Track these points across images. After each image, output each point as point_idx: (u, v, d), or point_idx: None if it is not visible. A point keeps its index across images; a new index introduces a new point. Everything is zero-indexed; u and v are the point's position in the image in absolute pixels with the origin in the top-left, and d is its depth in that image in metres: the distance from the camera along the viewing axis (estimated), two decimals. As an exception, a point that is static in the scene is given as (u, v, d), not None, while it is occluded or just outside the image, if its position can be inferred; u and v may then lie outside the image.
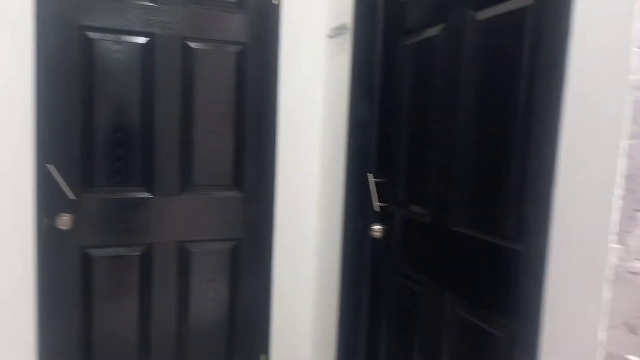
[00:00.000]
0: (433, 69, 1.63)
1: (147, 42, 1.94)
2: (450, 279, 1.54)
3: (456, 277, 1.52)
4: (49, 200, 1.88)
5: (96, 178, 1.94)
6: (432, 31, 1.64)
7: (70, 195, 1.87)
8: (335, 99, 2.09)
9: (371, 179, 1.92)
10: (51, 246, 1.91)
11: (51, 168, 1.84)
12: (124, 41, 1.92)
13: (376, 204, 1.90)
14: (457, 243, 1.51)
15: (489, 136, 1.38)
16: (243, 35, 2.07)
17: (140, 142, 1.98)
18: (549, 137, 1.10)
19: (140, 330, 2.06)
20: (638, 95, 0.94)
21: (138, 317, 2.05)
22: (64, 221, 1.90)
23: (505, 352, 1.32)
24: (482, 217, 1.41)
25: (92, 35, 1.87)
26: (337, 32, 2.05)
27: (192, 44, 2.01)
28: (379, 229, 1.92)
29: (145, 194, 2.01)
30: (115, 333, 2.02)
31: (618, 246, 0.96)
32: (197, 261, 2.12)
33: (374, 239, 1.97)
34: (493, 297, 1.36)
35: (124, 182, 1.98)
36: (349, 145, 2.01)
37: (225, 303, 2.18)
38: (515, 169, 1.28)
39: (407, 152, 1.78)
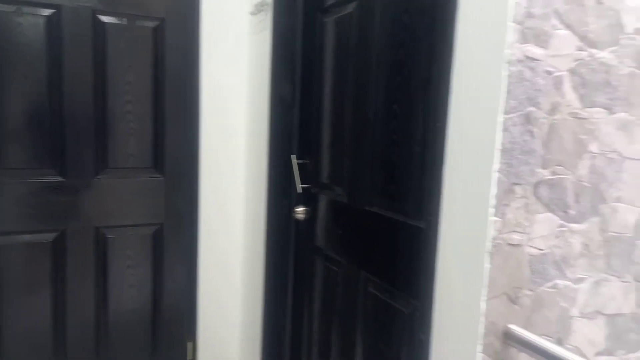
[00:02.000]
0: (349, 47, 1.61)
1: (53, 15, 1.82)
2: (364, 259, 1.55)
3: (369, 257, 1.52)
4: (-55, 184, 1.75)
5: (1, 160, 1.82)
6: (348, 8, 1.62)
7: (-31, 178, 1.75)
8: (259, 78, 2.04)
9: (294, 160, 1.90)
10: (-50, 233, 1.78)
11: (-55, 149, 1.71)
12: (26, 13, 1.79)
13: (299, 186, 1.88)
14: (369, 223, 1.51)
15: (396, 116, 1.38)
16: (160, 9, 1.98)
17: (49, 123, 1.87)
18: (442, 112, 1.10)
19: (55, 322, 1.96)
20: (513, 69, 0.96)
21: (52, 307, 1.95)
22: (-36, 206, 1.78)
23: (410, 328, 1.34)
24: (391, 196, 1.42)
25: (-11, 6, 1.74)
26: (259, 8, 1.99)
27: (104, 18, 1.90)
28: (301, 210, 1.91)
29: (57, 178, 1.90)
30: (27, 326, 1.91)
31: (497, 219, 0.98)
32: (115, 247, 2.04)
33: (297, 221, 1.95)
34: (399, 275, 1.38)
35: (32, 165, 1.86)
36: (272, 125, 1.97)
37: (147, 290, 2.11)
38: (417, 145, 1.29)
39: (328, 132, 1.76)
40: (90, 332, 2.02)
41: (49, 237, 1.92)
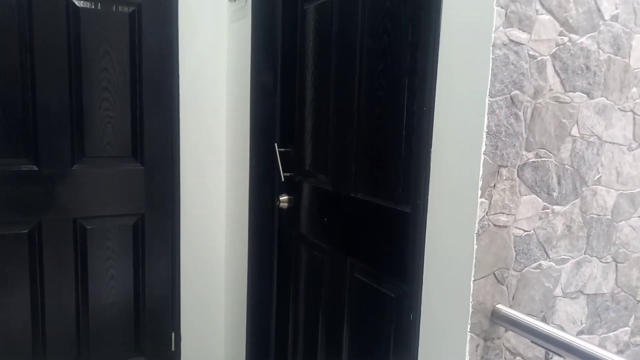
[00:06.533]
0: (331, 34, 1.60)
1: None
2: (350, 245, 1.56)
3: (355, 242, 1.53)
4: None
5: (-31, 150, 1.75)
6: (329, -6, 1.61)
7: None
8: (240, 66, 2.02)
9: (277, 148, 1.89)
10: None
11: None
12: (-5, -4, 1.72)
13: (282, 174, 1.87)
14: (355, 209, 1.52)
15: (380, 102, 1.39)
16: (136, -6, 1.93)
17: (22, 110, 1.80)
18: (428, 96, 1.11)
19: (34, 317, 1.90)
20: (499, 53, 0.97)
21: (31, 302, 1.89)
22: None
23: (398, 310, 1.35)
24: (376, 182, 1.43)
25: (-45, -12, 1.66)
26: (238, -5, 1.96)
27: (78, 3, 1.84)
28: (285, 199, 1.90)
29: (30, 166, 1.84)
30: (4, 322, 1.85)
31: (484, 200, 1.00)
32: (95, 239, 1.99)
33: (281, 209, 1.94)
34: (386, 260, 1.39)
35: (4, 154, 1.80)
36: (254, 113, 1.95)
37: (129, 282, 2.07)
38: (402, 130, 1.30)
39: (311, 120, 1.76)
40: (70, 326, 1.98)
41: (24, 228, 1.86)
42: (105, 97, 1.93)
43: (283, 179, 1.86)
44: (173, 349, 2.18)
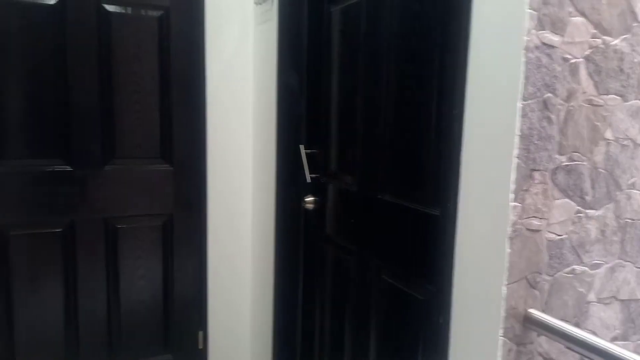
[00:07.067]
0: (357, 37, 1.61)
1: (58, 4, 1.81)
2: (376, 247, 1.56)
3: (382, 244, 1.53)
4: (-47, 177, 1.74)
5: (5, 150, 1.81)
6: (356, -3, 1.61)
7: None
8: (266, 68, 2.04)
9: (302, 149, 1.90)
10: (-41, 226, 1.78)
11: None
12: (30, 2, 1.77)
13: (308, 175, 1.88)
14: (382, 211, 1.52)
15: (408, 104, 1.39)
16: (165, -1, 1.97)
17: (55, 112, 1.86)
18: (458, 99, 1.11)
19: (67, 313, 1.97)
20: (532, 56, 0.96)
21: (64, 299, 1.96)
22: (-27, 199, 1.77)
23: (426, 314, 1.35)
24: (403, 184, 1.43)
25: (-6, -4, 1.72)
26: (265, -2, 1.98)
27: (109, 7, 1.89)
28: (311, 200, 1.91)
29: (64, 167, 1.90)
30: (38, 319, 1.92)
31: (517, 204, 0.99)
32: (125, 238, 2.04)
33: (307, 211, 1.96)
34: (414, 262, 1.39)
35: (37, 154, 1.86)
36: (280, 115, 1.97)
37: (158, 280, 2.12)
38: (431, 133, 1.30)
39: (337, 122, 1.76)
40: (102, 324, 2.03)
41: (58, 227, 1.92)
42: (135, 99, 1.98)
43: (309, 180, 1.88)
44: (200, 347, 2.22)
